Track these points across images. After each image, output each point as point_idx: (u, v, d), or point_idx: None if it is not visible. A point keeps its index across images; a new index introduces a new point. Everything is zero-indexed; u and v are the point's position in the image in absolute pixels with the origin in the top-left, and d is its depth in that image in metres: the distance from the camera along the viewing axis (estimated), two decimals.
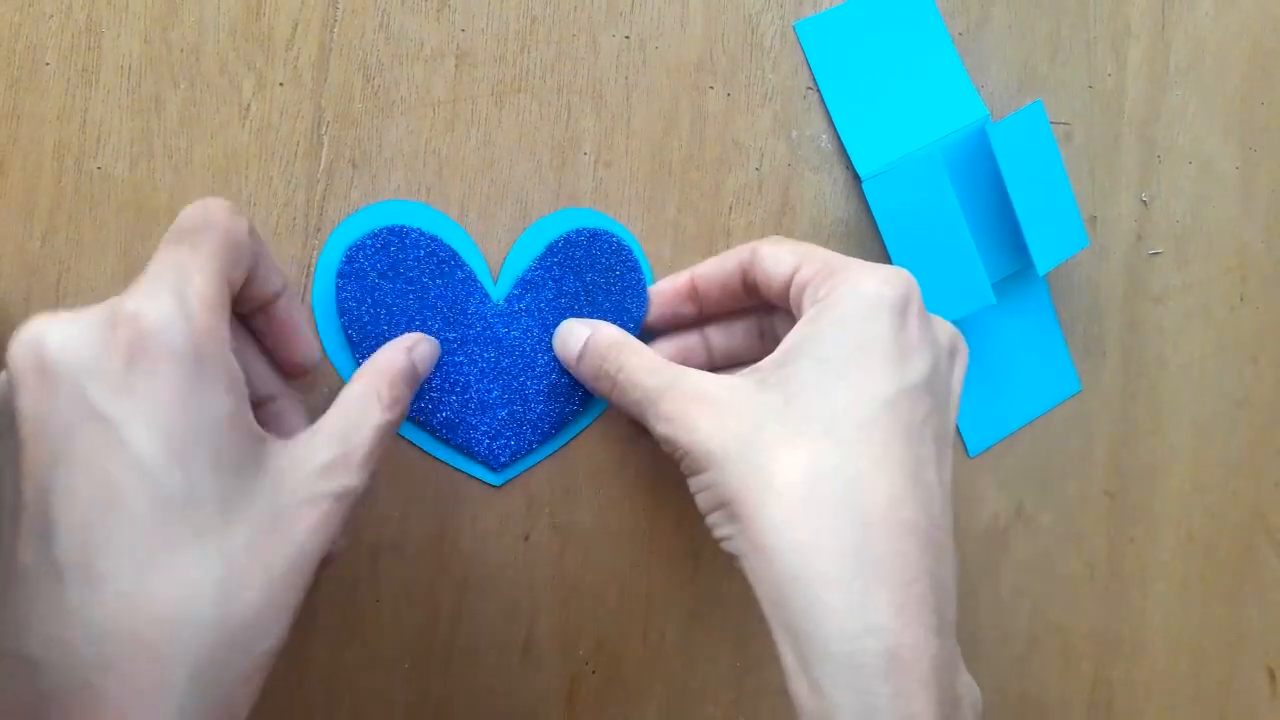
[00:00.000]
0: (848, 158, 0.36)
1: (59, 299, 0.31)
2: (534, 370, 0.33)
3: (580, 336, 0.32)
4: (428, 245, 0.32)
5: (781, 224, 0.36)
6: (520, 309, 0.33)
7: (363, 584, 0.33)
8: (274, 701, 0.33)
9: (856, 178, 0.36)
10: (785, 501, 0.25)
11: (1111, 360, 0.40)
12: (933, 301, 0.35)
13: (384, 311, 0.32)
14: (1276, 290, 0.41)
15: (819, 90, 0.36)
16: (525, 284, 0.33)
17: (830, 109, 0.36)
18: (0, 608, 0.22)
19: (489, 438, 0.33)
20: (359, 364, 0.31)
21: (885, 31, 0.36)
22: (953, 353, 0.28)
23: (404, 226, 0.32)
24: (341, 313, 0.32)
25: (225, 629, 0.23)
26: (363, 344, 0.32)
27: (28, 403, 0.23)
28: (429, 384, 0.32)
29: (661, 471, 0.35)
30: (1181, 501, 0.40)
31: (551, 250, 0.33)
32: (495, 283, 0.33)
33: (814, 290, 0.28)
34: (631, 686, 0.35)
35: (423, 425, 0.33)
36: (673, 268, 0.35)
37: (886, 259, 0.36)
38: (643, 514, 0.35)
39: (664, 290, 0.34)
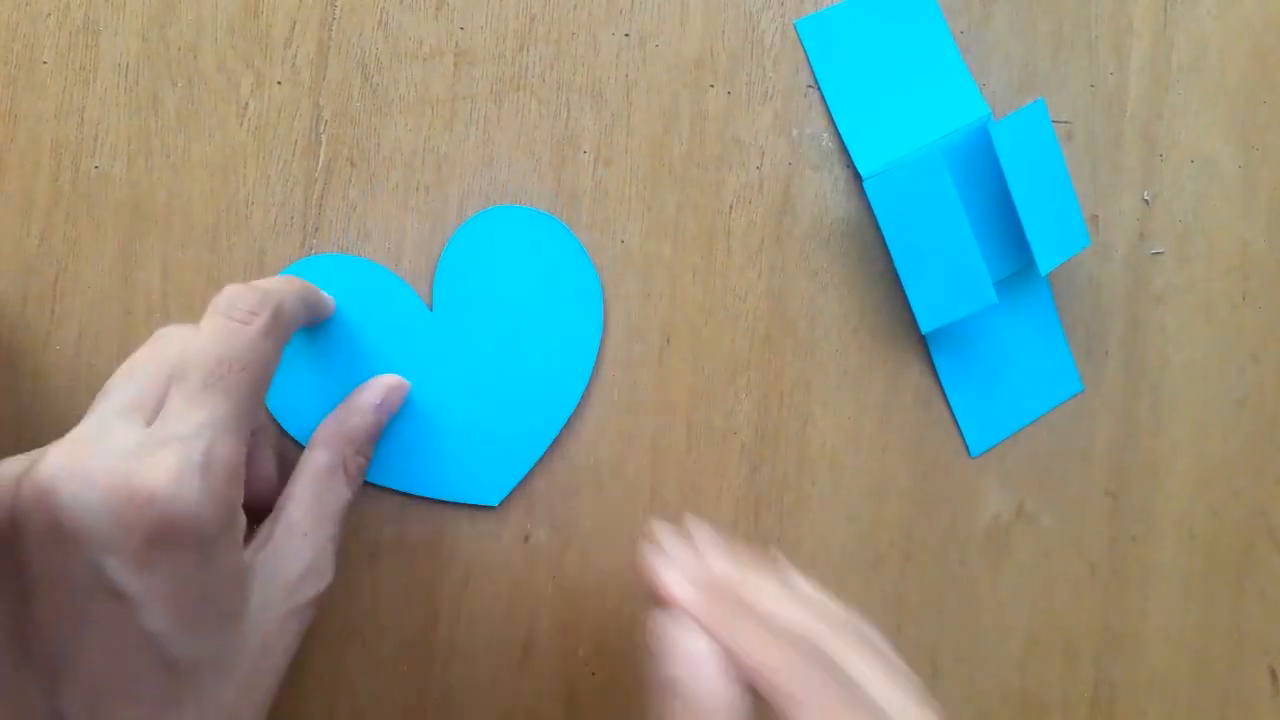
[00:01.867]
0: (849, 156, 0.36)
1: (56, 298, 0.31)
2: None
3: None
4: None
5: (782, 223, 0.36)
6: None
7: (363, 584, 0.33)
8: (273, 703, 0.33)
9: (858, 176, 0.36)
10: None
11: (1113, 360, 0.40)
12: (934, 302, 0.35)
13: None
14: (1278, 289, 0.41)
15: (820, 89, 0.36)
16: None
17: (831, 107, 0.36)
18: None
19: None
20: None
21: (886, 30, 0.36)
22: None
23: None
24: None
25: None
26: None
27: (37, 558, 0.22)
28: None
29: (661, 471, 0.35)
30: (1183, 501, 0.40)
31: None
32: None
33: None
34: (631, 687, 0.35)
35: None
36: (672, 267, 0.35)
37: (888, 258, 0.36)
38: (643, 514, 0.35)
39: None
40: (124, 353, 0.31)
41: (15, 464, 0.24)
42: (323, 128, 0.32)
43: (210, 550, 0.23)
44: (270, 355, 0.26)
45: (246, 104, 0.32)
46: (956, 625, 0.38)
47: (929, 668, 0.38)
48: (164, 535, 0.22)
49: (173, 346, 0.25)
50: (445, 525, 0.34)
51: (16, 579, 0.23)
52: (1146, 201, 0.40)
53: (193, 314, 0.31)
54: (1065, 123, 0.39)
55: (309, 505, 0.28)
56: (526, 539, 0.34)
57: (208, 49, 0.31)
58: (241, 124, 0.32)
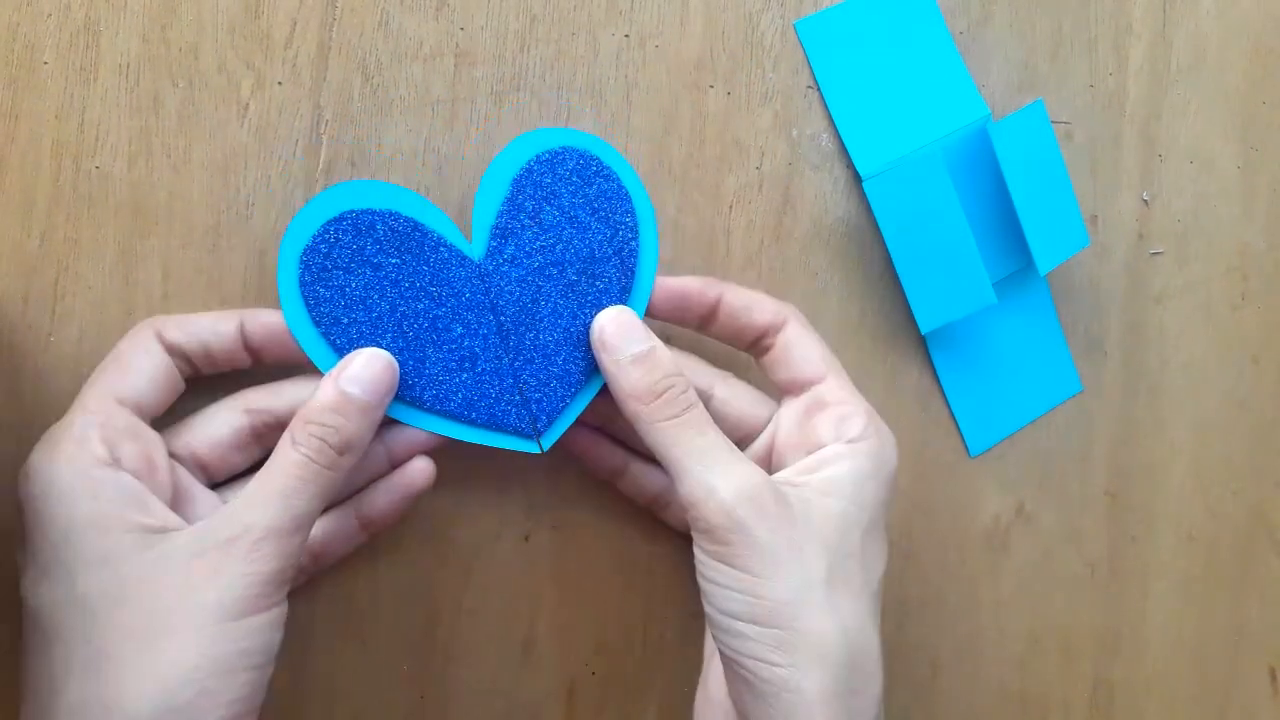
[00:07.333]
0: (848, 157, 0.36)
1: (57, 299, 0.31)
2: (541, 322, 0.31)
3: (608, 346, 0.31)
4: (384, 224, 0.30)
5: (782, 223, 0.36)
6: (505, 259, 0.31)
7: (363, 584, 0.33)
8: (274, 702, 0.33)
9: (857, 177, 0.36)
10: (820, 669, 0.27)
11: (1112, 360, 0.40)
12: (934, 302, 0.35)
13: (361, 310, 0.30)
14: (1278, 290, 0.41)
15: (819, 89, 0.36)
16: (501, 232, 0.31)
17: (831, 108, 0.36)
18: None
19: (517, 406, 0.31)
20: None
21: (886, 30, 0.36)
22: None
23: (353, 212, 0.30)
24: (317, 323, 0.30)
25: None
26: (349, 347, 0.30)
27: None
28: (432, 369, 0.31)
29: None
30: (1182, 501, 0.40)
31: (518, 187, 0.31)
32: (470, 241, 0.31)
33: (841, 422, 0.31)
34: (631, 686, 0.35)
35: (441, 413, 0.31)
36: (672, 268, 0.35)
37: (888, 258, 0.36)
38: (643, 513, 0.35)
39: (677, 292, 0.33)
40: None
41: None
42: (323, 128, 0.32)
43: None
44: None
45: (247, 105, 0.32)
46: (956, 625, 0.38)
47: (929, 668, 0.38)
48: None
49: None
50: (446, 525, 0.34)
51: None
52: (1146, 202, 0.40)
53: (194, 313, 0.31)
54: (1064, 123, 0.39)
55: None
56: (527, 539, 0.34)
57: (208, 50, 0.31)
58: (242, 124, 0.32)
